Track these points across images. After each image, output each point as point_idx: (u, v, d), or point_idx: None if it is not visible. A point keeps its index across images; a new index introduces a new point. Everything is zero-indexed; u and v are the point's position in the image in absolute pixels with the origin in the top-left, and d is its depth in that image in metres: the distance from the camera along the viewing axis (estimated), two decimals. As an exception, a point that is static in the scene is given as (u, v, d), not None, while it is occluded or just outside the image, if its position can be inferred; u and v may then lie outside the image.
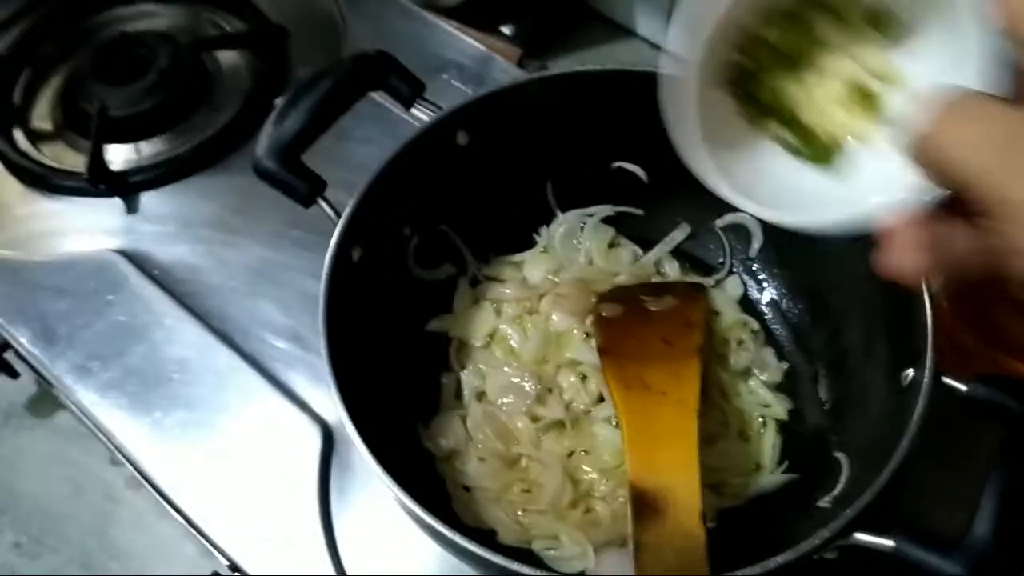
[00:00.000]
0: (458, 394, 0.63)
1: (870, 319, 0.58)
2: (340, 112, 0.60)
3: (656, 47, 0.94)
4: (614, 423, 0.59)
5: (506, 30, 0.98)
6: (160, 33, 0.86)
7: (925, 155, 0.30)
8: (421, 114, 0.62)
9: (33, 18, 0.89)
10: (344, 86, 0.59)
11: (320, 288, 0.54)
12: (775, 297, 0.66)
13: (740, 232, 0.67)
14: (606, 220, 0.69)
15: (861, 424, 0.56)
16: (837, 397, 0.60)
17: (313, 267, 0.73)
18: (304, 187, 0.57)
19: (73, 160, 0.81)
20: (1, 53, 0.86)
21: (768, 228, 0.66)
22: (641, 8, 0.97)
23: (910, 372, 0.50)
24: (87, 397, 0.69)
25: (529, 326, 0.64)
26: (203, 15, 0.90)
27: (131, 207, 0.78)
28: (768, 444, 0.60)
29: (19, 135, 0.83)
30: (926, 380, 0.48)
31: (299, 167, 0.57)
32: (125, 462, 0.69)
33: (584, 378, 0.62)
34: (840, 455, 0.56)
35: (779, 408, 0.61)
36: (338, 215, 0.57)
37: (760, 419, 0.61)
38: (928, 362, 0.49)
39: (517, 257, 0.69)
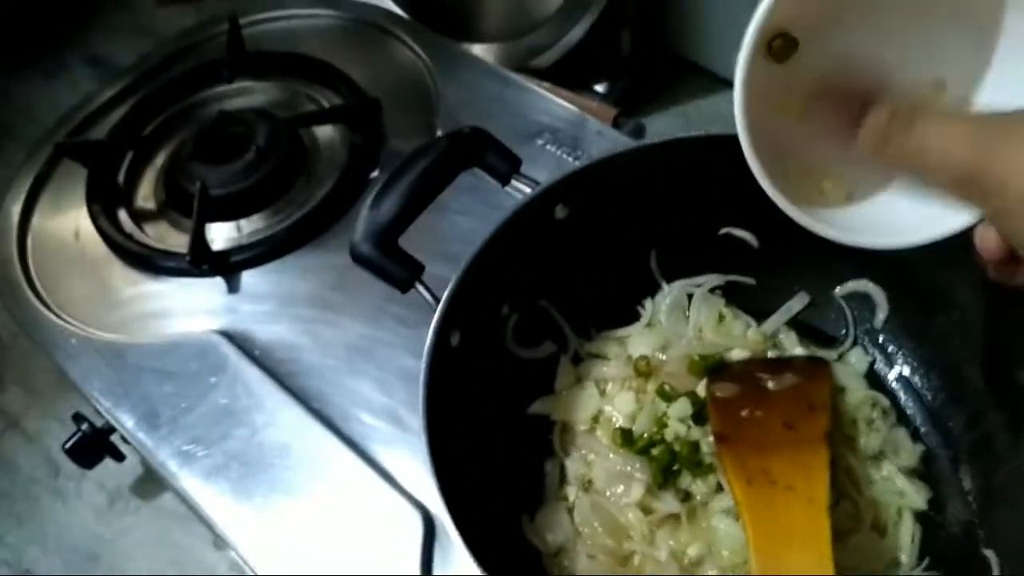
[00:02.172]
0: (563, 482, 0.60)
1: (1016, 399, 0.52)
2: (436, 192, 0.58)
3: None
4: (735, 516, 0.54)
5: (600, 88, 0.96)
6: (258, 110, 0.87)
7: None
8: (518, 188, 0.61)
9: (134, 100, 0.92)
10: (440, 165, 0.58)
11: (419, 372, 0.52)
12: (906, 373, 0.61)
13: (863, 301, 0.63)
14: (715, 290, 0.66)
15: (1012, 517, 0.51)
16: (983, 485, 0.54)
17: (411, 344, 0.72)
18: (402, 273, 0.55)
19: (175, 239, 0.82)
20: (105, 137, 0.88)
21: (894, 297, 0.61)
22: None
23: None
24: (190, 483, 0.68)
25: (636, 407, 0.61)
26: (299, 90, 0.91)
27: (232, 286, 0.78)
28: (906, 537, 0.55)
29: (123, 216, 0.85)
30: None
31: (396, 252, 0.56)
32: (228, 546, 0.68)
33: (699, 465, 0.58)
34: (989, 552, 0.51)
35: (917, 497, 0.56)
36: (436, 299, 0.55)
37: (896, 509, 0.56)
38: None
39: (621, 332, 0.65)
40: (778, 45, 0.42)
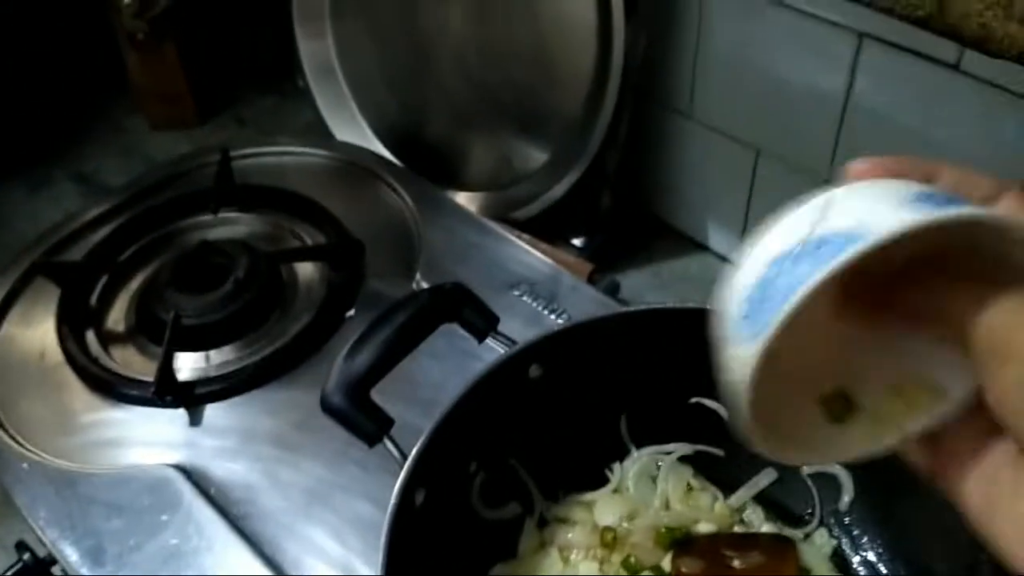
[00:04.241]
0: (523, 653, 0.58)
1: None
2: (413, 346, 0.58)
3: (729, 262, 0.93)
4: None
5: (577, 242, 0.98)
6: (240, 241, 0.88)
7: None
8: (494, 345, 0.61)
9: (115, 223, 0.92)
10: (418, 320, 0.59)
11: (375, 518, 0.51)
12: (872, 559, 0.60)
13: (830, 481, 0.63)
14: (684, 459, 0.65)
15: None
16: None
17: (368, 489, 0.71)
18: (371, 427, 0.55)
19: (141, 365, 0.81)
20: (83, 259, 0.88)
21: (860, 480, 0.61)
22: (714, 223, 0.97)
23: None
24: (128, 628, 0.65)
25: (600, 579, 0.59)
26: (283, 224, 0.92)
27: (194, 419, 0.77)
28: None
29: (91, 337, 0.83)
30: None
31: (367, 404, 0.55)
32: None
33: (662, 647, 0.56)
34: None
35: None
36: (404, 456, 0.54)
37: None
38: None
39: (588, 496, 0.65)
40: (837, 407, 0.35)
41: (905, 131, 0.73)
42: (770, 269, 0.29)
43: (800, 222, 0.29)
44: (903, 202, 0.28)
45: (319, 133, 1.09)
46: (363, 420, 0.54)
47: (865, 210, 0.28)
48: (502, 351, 0.59)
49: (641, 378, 0.63)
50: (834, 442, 0.35)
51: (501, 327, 0.62)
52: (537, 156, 0.95)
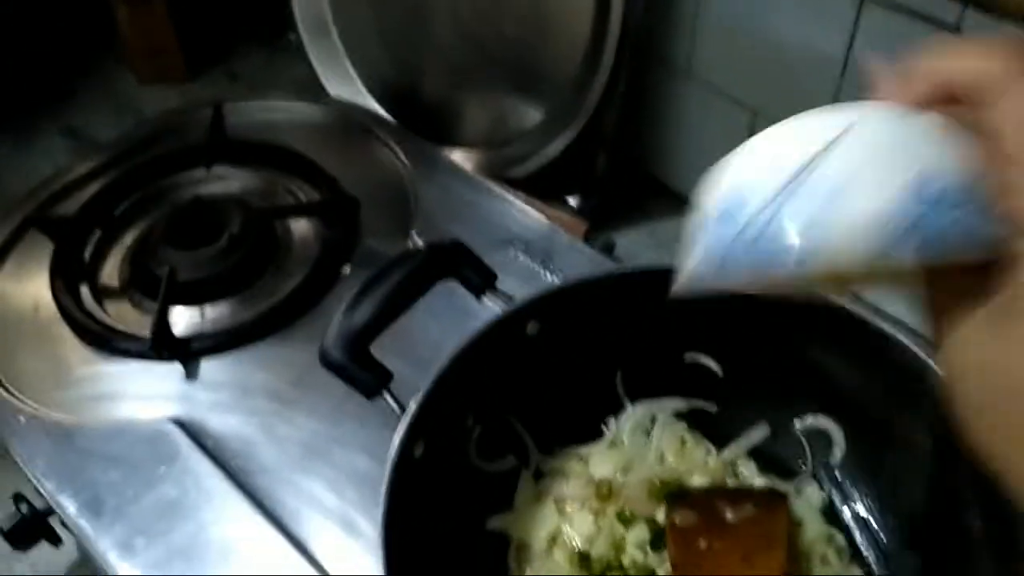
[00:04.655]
0: (518, 602, 0.59)
1: (966, 546, 0.53)
2: (411, 301, 0.59)
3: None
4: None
5: (572, 201, 0.98)
6: (234, 198, 0.88)
7: None
8: (491, 301, 0.61)
9: (107, 178, 0.92)
10: (417, 276, 0.59)
11: (373, 473, 0.52)
12: (862, 512, 0.62)
13: (822, 437, 0.63)
14: (678, 415, 0.66)
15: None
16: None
17: (367, 443, 0.71)
18: (370, 380, 0.55)
19: (136, 320, 0.81)
20: (76, 214, 0.87)
21: (852, 435, 0.62)
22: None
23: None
24: (128, 576, 0.66)
25: (595, 530, 0.60)
26: (277, 181, 0.92)
27: (190, 373, 0.77)
28: None
29: (85, 292, 0.83)
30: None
31: (366, 359, 0.56)
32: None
33: (655, 595, 0.57)
34: None
35: (868, 639, 0.56)
36: (402, 408, 0.55)
37: (848, 651, 0.56)
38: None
39: (583, 450, 0.65)
40: None
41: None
42: (738, 207, 0.29)
43: (797, 147, 0.29)
44: (902, 189, 0.27)
45: (312, 89, 1.08)
46: (362, 374, 0.55)
47: (854, 178, 0.28)
48: (499, 309, 0.60)
49: (637, 335, 0.64)
50: None
51: (496, 285, 0.62)
52: (533, 114, 0.95)
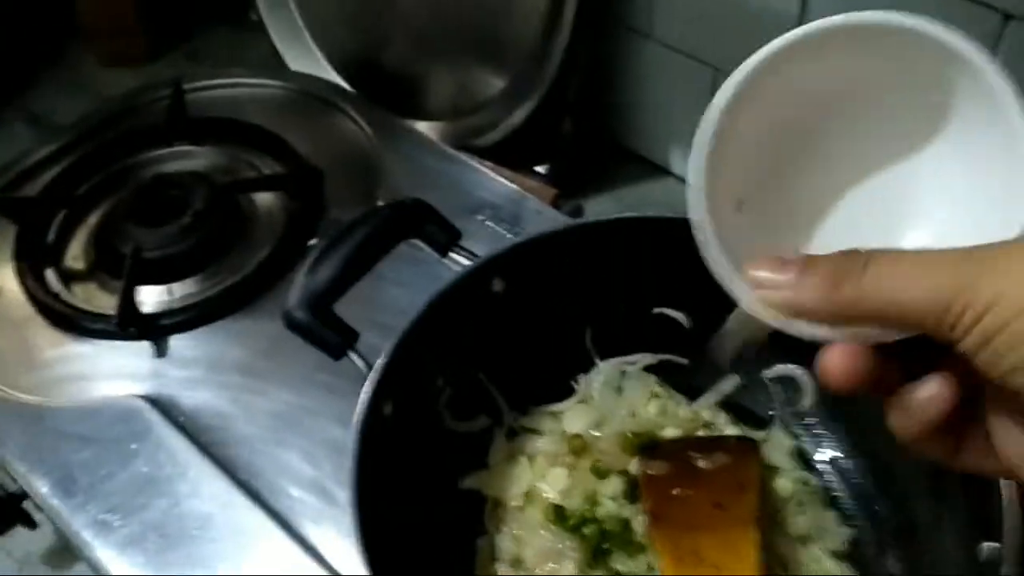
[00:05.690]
0: (494, 559, 0.59)
1: (938, 485, 0.53)
2: (374, 261, 0.58)
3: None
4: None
5: (540, 169, 0.98)
6: (196, 174, 0.87)
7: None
8: (456, 260, 0.61)
9: (69, 159, 0.91)
10: (380, 235, 0.58)
11: (347, 442, 0.51)
12: (835, 455, 0.62)
13: (792, 384, 0.64)
14: (649, 369, 0.66)
15: (936, 601, 0.51)
16: (908, 570, 0.55)
17: (340, 413, 0.71)
18: (335, 339, 0.55)
19: (103, 301, 0.80)
20: (35, 195, 0.86)
21: (820, 383, 0.63)
22: (675, 147, 0.97)
23: (986, 546, 0.46)
24: (105, 554, 0.65)
25: (569, 484, 0.60)
26: (239, 155, 0.91)
27: (159, 351, 0.76)
28: (832, 620, 0.55)
29: (51, 275, 0.82)
30: (1005, 554, 0.44)
31: (331, 318, 0.55)
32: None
33: (630, 544, 0.57)
34: (914, 636, 0.51)
35: (843, 579, 0.56)
36: (369, 367, 0.54)
37: (824, 593, 0.56)
38: (1005, 535, 0.44)
39: (556, 407, 0.65)
40: None
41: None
42: None
43: None
44: None
45: (275, 67, 1.07)
46: (327, 333, 0.55)
47: None
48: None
49: (604, 290, 0.64)
50: None
51: (461, 244, 0.62)
52: (496, 82, 0.94)
